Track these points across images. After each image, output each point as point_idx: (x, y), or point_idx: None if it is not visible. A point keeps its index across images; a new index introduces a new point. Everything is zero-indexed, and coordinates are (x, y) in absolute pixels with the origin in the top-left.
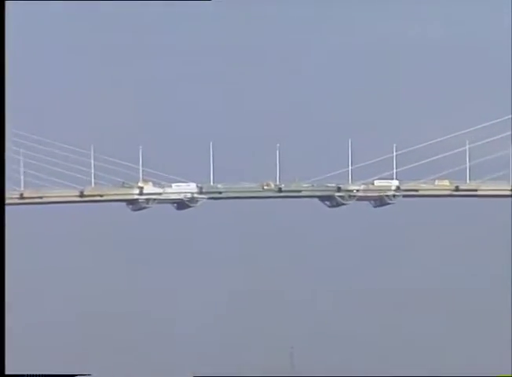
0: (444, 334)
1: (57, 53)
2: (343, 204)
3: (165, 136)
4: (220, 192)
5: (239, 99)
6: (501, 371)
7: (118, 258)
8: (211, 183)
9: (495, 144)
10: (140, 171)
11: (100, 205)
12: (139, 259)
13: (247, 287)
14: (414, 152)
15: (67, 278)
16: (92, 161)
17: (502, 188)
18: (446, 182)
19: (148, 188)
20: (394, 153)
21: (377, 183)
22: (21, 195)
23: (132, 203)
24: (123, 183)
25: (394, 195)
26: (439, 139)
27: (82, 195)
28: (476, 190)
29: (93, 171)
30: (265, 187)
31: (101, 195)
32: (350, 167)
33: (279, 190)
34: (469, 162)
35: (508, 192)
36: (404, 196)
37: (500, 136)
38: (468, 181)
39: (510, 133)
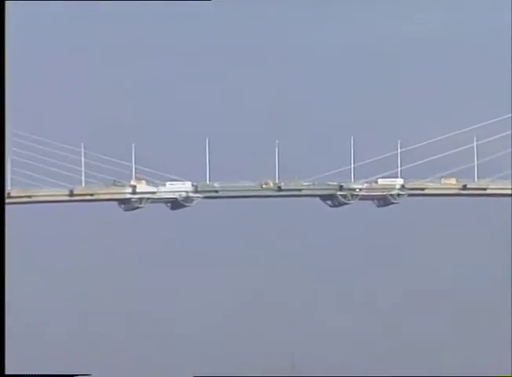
0: (444, 334)
1: (56, 53)
2: (345, 204)
3: (159, 133)
4: (216, 191)
5: (237, 97)
6: (501, 371)
7: (110, 259)
8: (207, 181)
9: (503, 141)
10: (133, 169)
11: (91, 205)
12: (131, 261)
13: (246, 289)
14: (419, 149)
15: (58, 279)
16: (82, 159)
17: None
18: (453, 181)
19: (141, 187)
20: (399, 150)
21: (381, 181)
22: (8, 194)
23: (124, 202)
24: (115, 181)
25: (399, 195)
26: (445, 136)
27: (71, 194)
28: (485, 189)
29: (83, 169)
30: (264, 186)
31: (92, 195)
32: (353, 165)
33: (279, 189)
34: (477, 160)
35: None
36: (409, 195)
37: (509, 132)
38: (476, 179)
39: None
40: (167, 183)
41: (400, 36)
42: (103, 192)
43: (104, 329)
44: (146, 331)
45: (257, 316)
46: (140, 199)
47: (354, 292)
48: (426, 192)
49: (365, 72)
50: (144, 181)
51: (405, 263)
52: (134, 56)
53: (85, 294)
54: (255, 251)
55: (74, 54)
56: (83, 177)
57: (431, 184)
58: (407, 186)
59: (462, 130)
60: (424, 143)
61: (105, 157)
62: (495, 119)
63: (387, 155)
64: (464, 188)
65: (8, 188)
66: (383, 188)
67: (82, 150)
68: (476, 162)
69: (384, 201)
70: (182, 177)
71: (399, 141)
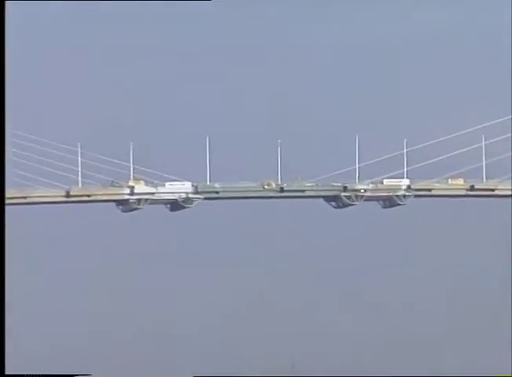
0: (444, 334)
1: (55, 53)
2: (350, 205)
3: (158, 132)
4: (217, 192)
5: (238, 96)
6: (501, 371)
7: (108, 262)
8: (208, 182)
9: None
10: (131, 169)
11: (88, 206)
12: (130, 264)
13: (247, 290)
14: (426, 149)
15: (53, 283)
16: (79, 159)
17: None
18: (460, 181)
19: (140, 188)
20: (405, 150)
21: (386, 182)
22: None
23: (122, 203)
24: (112, 182)
25: (405, 195)
26: (452, 135)
27: (68, 195)
28: (493, 190)
29: (80, 169)
30: (266, 186)
31: (89, 196)
32: (357, 165)
33: (281, 190)
34: (486, 159)
35: None
36: (416, 196)
37: None
38: (484, 180)
39: None
40: (166, 183)
41: (404, 35)
42: (100, 192)
43: (104, 329)
44: (146, 331)
45: (257, 317)
46: (139, 200)
47: (359, 295)
48: (432, 192)
49: (370, 71)
50: (142, 182)
51: (411, 266)
52: (133, 56)
53: (82, 296)
54: (257, 254)
55: (72, 54)
56: (80, 178)
57: (438, 185)
58: (413, 187)
59: (470, 129)
60: (431, 142)
61: (103, 157)
62: (504, 118)
63: (393, 154)
64: (472, 188)
65: None
66: (389, 189)
67: (79, 150)
68: (484, 162)
69: (390, 202)
70: (182, 178)
71: (405, 141)
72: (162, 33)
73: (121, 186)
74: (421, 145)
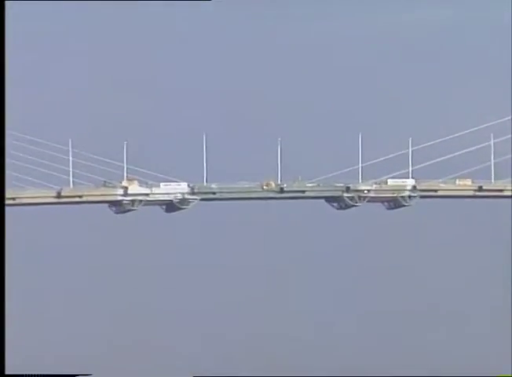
0: (444, 334)
1: (48, 51)
2: (352, 206)
3: (152, 130)
4: (214, 193)
5: (237, 95)
6: (501, 371)
7: (100, 265)
8: (204, 182)
9: None
10: (125, 169)
11: (80, 207)
12: (124, 266)
13: (244, 297)
14: (432, 148)
15: (42, 287)
16: (70, 158)
17: None
18: (468, 182)
19: (134, 188)
20: (410, 149)
21: (390, 182)
22: None
23: (115, 204)
24: (105, 182)
25: (410, 196)
26: (460, 133)
27: (59, 195)
28: (502, 190)
29: (71, 169)
30: (265, 187)
31: (80, 196)
32: (360, 165)
33: (281, 190)
34: (494, 159)
35: None
36: (421, 197)
37: None
38: (493, 180)
39: None
40: (161, 184)
41: (408, 31)
42: (92, 193)
43: (103, 330)
44: (145, 331)
45: (257, 317)
46: (133, 201)
47: (361, 300)
48: (439, 193)
49: (373, 68)
50: (136, 182)
51: (416, 270)
52: (131, 55)
53: (77, 299)
54: (256, 258)
55: (65, 52)
56: (71, 178)
57: (445, 186)
58: (418, 187)
59: (479, 127)
60: (437, 141)
61: (95, 156)
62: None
63: (397, 153)
64: (480, 189)
65: None
66: (393, 190)
67: (70, 149)
68: (493, 162)
69: (394, 203)
70: (177, 178)
71: (410, 139)
72: (162, 33)
73: (114, 187)
74: (427, 144)
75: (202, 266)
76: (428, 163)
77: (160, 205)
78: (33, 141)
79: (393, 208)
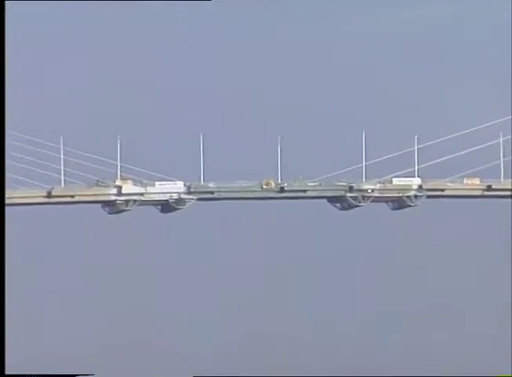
0: (444, 334)
1: (41, 48)
2: (356, 206)
3: (147, 128)
4: (212, 192)
5: (237, 94)
6: (501, 371)
7: (94, 266)
8: (201, 181)
9: None
10: (118, 167)
11: (71, 207)
12: (119, 267)
13: (242, 303)
14: (438, 146)
15: (33, 290)
16: (61, 156)
17: None
18: (476, 181)
19: (128, 188)
20: (416, 147)
21: (395, 181)
22: None
23: (108, 204)
24: (98, 181)
25: (416, 196)
26: (467, 130)
27: (49, 195)
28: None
29: (62, 168)
30: (265, 186)
31: (72, 196)
32: (364, 163)
33: (281, 190)
34: (503, 157)
35: None
36: (428, 197)
37: None
38: (502, 179)
39: None
40: (157, 183)
41: (410, 29)
42: (85, 193)
43: (103, 330)
44: (145, 332)
45: (257, 318)
46: (127, 201)
47: (362, 299)
48: (446, 193)
49: (377, 65)
50: (130, 181)
51: (422, 272)
52: (129, 54)
53: (77, 298)
54: (255, 260)
55: (59, 50)
56: (63, 177)
57: (452, 185)
58: (425, 186)
59: (487, 124)
60: (444, 138)
61: (87, 154)
62: None
63: (403, 151)
64: (489, 188)
65: None
66: (398, 189)
67: (61, 146)
68: (502, 160)
69: (399, 203)
70: (173, 177)
71: (416, 136)
72: (161, 33)
73: (107, 186)
74: (433, 141)
75: (202, 267)
76: (435, 162)
77: (155, 205)
78: (23, 139)
79: (398, 208)
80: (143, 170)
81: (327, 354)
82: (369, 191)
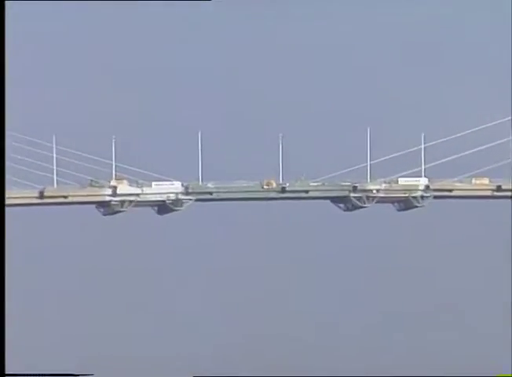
0: (444, 334)
1: (38, 46)
2: (360, 207)
3: (144, 126)
4: (210, 193)
5: (237, 93)
6: (501, 371)
7: (90, 268)
8: (200, 181)
9: None
10: (113, 167)
11: (64, 208)
12: (114, 269)
13: (246, 296)
14: (446, 145)
15: (26, 293)
16: (54, 155)
17: None
18: (485, 181)
19: (123, 188)
20: (422, 145)
21: (402, 181)
22: None
23: (103, 205)
24: (92, 181)
25: (423, 197)
26: (476, 128)
27: (42, 196)
28: None
29: (55, 167)
30: (266, 186)
31: (65, 197)
32: (369, 162)
33: (283, 190)
34: None
35: None
36: (435, 197)
37: None
38: None
39: None
40: (153, 183)
41: (412, 28)
42: (78, 193)
43: (103, 330)
44: (145, 332)
45: (257, 319)
46: (122, 201)
47: (363, 300)
48: (454, 193)
49: (380, 64)
50: (125, 181)
51: (428, 274)
52: (129, 54)
53: (76, 299)
54: (256, 261)
55: (54, 49)
56: (55, 177)
57: (460, 185)
58: (432, 187)
59: (496, 122)
60: (452, 137)
61: (81, 153)
62: None
63: (409, 151)
64: (498, 189)
65: None
66: (404, 190)
67: (54, 145)
68: None
69: (405, 204)
70: (171, 177)
71: (422, 135)
72: (161, 33)
73: (102, 186)
74: (441, 140)
75: (202, 268)
76: (442, 161)
77: (152, 206)
78: (15, 137)
79: (404, 209)
80: (139, 170)
81: (331, 355)
82: (374, 191)
